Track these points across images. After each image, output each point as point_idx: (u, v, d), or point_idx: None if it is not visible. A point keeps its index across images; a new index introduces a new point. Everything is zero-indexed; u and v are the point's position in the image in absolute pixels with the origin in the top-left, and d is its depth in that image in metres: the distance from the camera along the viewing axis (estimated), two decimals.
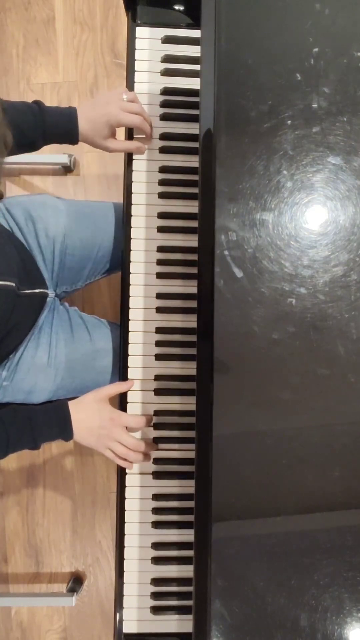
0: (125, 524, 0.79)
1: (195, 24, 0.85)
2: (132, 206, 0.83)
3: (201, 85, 0.64)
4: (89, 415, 0.79)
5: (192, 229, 0.83)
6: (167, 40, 0.85)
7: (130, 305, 0.82)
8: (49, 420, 0.78)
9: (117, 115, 0.79)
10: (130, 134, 0.84)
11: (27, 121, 0.78)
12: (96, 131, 0.81)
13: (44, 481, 1.55)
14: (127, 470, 0.80)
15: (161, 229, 0.83)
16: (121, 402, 0.81)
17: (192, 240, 0.83)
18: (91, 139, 0.82)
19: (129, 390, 0.81)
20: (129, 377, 0.82)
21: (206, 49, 0.64)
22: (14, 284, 0.80)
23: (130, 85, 0.85)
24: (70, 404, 0.80)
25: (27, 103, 0.80)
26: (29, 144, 0.81)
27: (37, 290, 0.90)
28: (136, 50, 0.85)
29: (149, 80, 0.85)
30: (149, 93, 0.84)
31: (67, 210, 0.97)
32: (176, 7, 0.86)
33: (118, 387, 0.81)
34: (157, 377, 0.81)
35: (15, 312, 0.82)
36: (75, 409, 0.79)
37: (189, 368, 0.81)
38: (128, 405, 0.81)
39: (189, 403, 0.81)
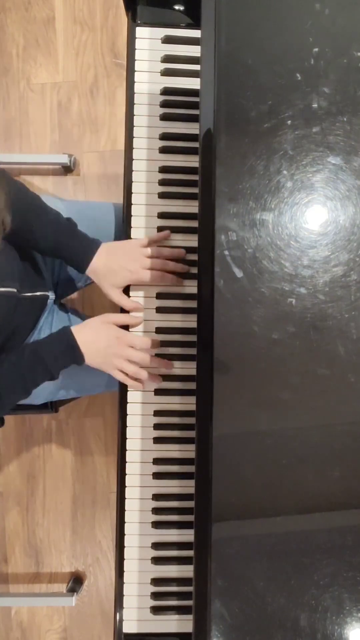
0: (125, 524, 0.79)
1: (195, 24, 0.85)
2: (132, 206, 0.83)
3: (201, 85, 0.64)
4: (95, 336, 0.79)
5: (192, 229, 0.83)
6: (167, 40, 0.85)
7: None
8: (56, 349, 0.78)
9: (139, 273, 0.79)
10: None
11: (45, 231, 0.79)
12: (110, 277, 0.80)
13: (44, 481, 1.55)
14: (127, 471, 0.80)
15: (161, 229, 0.83)
16: (121, 402, 0.81)
17: (192, 240, 0.83)
18: (101, 279, 0.81)
19: (131, 386, 0.81)
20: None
21: (206, 49, 0.64)
22: (15, 290, 0.80)
23: (130, 85, 0.85)
24: (75, 327, 0.79)
25: (58, 216, 0.81)
26: (36, 248, 0.82)
27: (38, 293, 0.90)
28: (136, 50, 0.85)
29: (149, 80, 0.85)
30: (149, 93, 0.84)
31: (67, 210, 0.97)
32: (176, 7, 0.86)
33: (127, 319, 0.81)
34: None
35: (17, 315, 0.82)
36: (81, 331, 0.79)
37: (189, 368, 0.81)
38: (128, 405, 0.81)
39: (189, 403, 0.81)
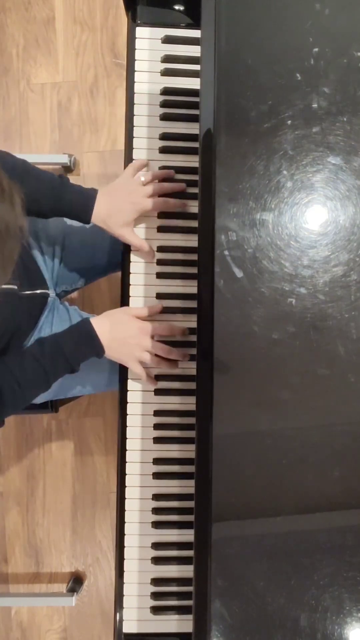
0: (125, 524, 0.79)
1: (195, 24, 0.85)
2: None
3: (201, 85, 0.64)
4: (115, 327, 0.79)
5: (192, 229, 0.83)
6: (167, 40, 0.85)
7: (130, 305, 0.82)
8: (76, 341, 0.77)
9: (143, 202, 0.79)
10: None
11: (43, 192, 0.79)
12: (116, 217, 0.80)
13: (44, 481, 1.55)
14: (127, 471, 0.80)
15: (161, 229, 0.83)
16: (121, 402, 0.81)
17: (192, 240, 0.83)
18: (108, 223, 0.80)
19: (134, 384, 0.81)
20: (129, 377, 0.82)
21: (206, 49, 0.64)
22: (15, 287, 0.80)
23: (130, 85, 0.85)
24: (94, 318, 0.79)
25: (51, 175, 0.81)
26: (39, 213, 0.81)
27: (38, 291, 0.90)
28: (136, 50, 0.85)
29: (149, 80, 0.85)
30: (149, 93, 0.84)
31: None
32: (176, 7, 0.86)
33: (147, 310, 0.80)
34: (157, 377, 0.81)
35: (17, 314, 0.82)
36: (101, 322, 0.79)
37: (189, 368, 0.81)
38: (128, 405, 0.81)
39: (189, 403, 0.81)
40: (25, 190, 0.78)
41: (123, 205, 0.80)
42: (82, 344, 0.78)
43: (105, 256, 1.00)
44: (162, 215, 0.83)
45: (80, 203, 0.80)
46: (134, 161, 0.82)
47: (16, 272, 0.82)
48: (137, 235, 0.81)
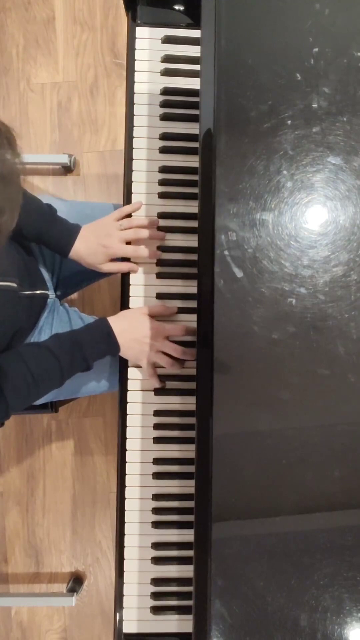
0: (125, 524, 0.79)
1: (195, 24, 0.85)
2: None
3: (201, 85, 0.64)
4: (132, 326, 0.79)
5: (192, 229, 0.83)
6: (167, 40, 0.85)
7: (130, 305, 0.82)
8: (93, 338, 0.78)
9: (114, 247, 0.82)
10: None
11: (29, 218, 0.80)
12: (91, 256, 0.83)
13: (44, 481, 1.55)
14: (127, 471, 0.80)
15: (161, 229, 0.83)
16: (121, 402, 0.81)
17: (192, 240, 0.83)
18: (84, 259, 0.84)
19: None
20: (129, 377, 0.82)
21: (206, 49, 0.64)
22: (15, 285, 0.80)
23: (130, 85, 0.85)
24: (112, 318, 0.80)
25: (39, 205, 0.83)
26: (21, 237, 0.83)
27: (37, 292, 0.90)
28: (136, 50, 0.85)
29: (149, 80, 0.85)
30: (149, 93, 0.84)
31: (67, 211, 0.97)
32: (176, 7, 0.86)
33: (162, 310, 0.82)
34: (157, 376, 0.81)
35: (18, 313, 0.82)
36: (117, 321, 0.80)
37: (189, 368, 0.81)
38: (128, 405, 0.81)
39: (189, 403, 0.81)
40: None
41: (96, 249, 0.82)
42: (100, 342, 0.78)
43: None
44: (162, 215, 0.83)
45: (62, 239, 0.83)
46: (124, 207, 0.84)
47: (15, 270, 0.82)
48: (113, 266, 0.84)
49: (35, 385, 0.75)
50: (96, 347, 0.78)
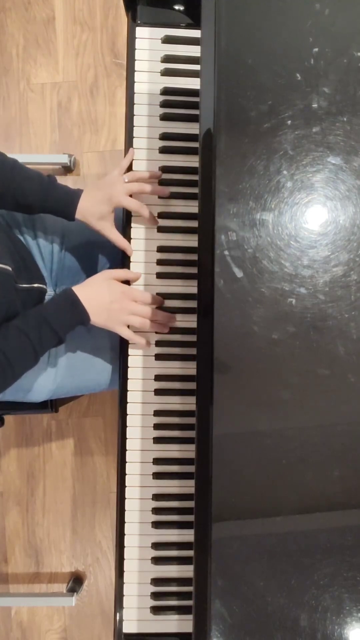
0: (125, 524, 0.79)
1: (195, 24, 0.85)
2: None
3: (201, 85, 0.64)
4: (98, 292, 0.79)
5: (192, 229, 0.83)
6: (167, 40, 0.85)
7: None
8: (59, 309, 0.77)
9: (119, 196, 0.81)
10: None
11: (32, 188, 0.81)
12: (95, 210, 0.83)
13: (44, 481, 1.55)
14: (127, 471, 0.80)
15: (161, 229, 0.83)
16: (121, 402, 0.81)
17: (192, 240, 0.83)
18: (89, 217, 0.83)
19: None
20: (129, 377, 0.82)
21: (206, 49, 0.64)
22: (10, 269, 0.79)
23: (130, 85, 0.85)
24: (77, 287, 0.80)
25: (39, 174, 0.83)
26: (26, 207, 0.83)
27: (35, 285, 0.90)
28: (136, 50, 0.85)
29: (149, 80, 0.85)
30: (149, 93, 0.84)
31: None
32: (176, 7, 0.86)
33: (127, 273, 0.82)
34: (157, 377, 0.81)
35: (11, 303, 0.82)
36: (83, 289, 0.79)
37: (189, 368, 0.81)
38: (128, 405, 0.81)
39: (189, 403, 0.81)
40: (14, 185, 0.79)
41: (101, 199, 0.82)
42: (67, 311, 0.77)
43: (104, 256, 1.00)
44: (162, 215, 0.83)
45: (65, 200, 0.82)
46: (122, 161, 0.84)
47: (8, 255, 0.82)
48: (117, 232, 0.83)
49: (8, 365, 0.73)
50: (64, 318, 0.77)
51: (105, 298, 0.79)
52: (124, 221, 0.84)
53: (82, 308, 0.77)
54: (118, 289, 0.80)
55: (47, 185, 0.82)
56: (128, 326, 0.81)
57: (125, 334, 0.80)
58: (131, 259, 0.83)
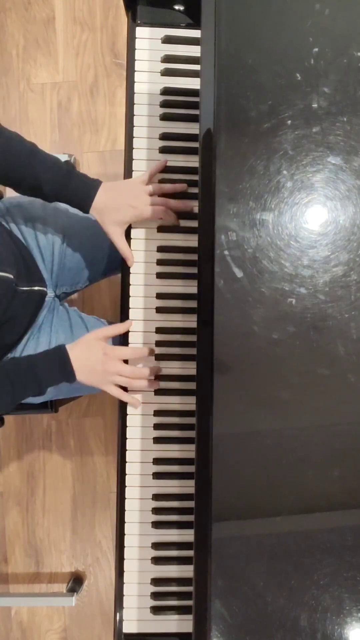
0: (125, 524, 0.79)
1: (195, 24, 0.85)
2: None
3: (201, 85, 0.64)
4: (85, 354, 0.80)
5: (192, 229, 0.83)
6: (167, 40, 0.85)
7: (130, 305, 0.82)
8: (50, 365, 0.78)
9: (143, 209, 0.80)
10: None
11: (49, 175, 0.79)
12: (112, 213, 0.81)
13: (44, 481, 1.55)
14: (127, 471, 0.80)
15: (161, 229, 0.83)
16: (121, 402, 0.81)
17: (192, 240, 0.83)
18: (104, 216, 0.81)
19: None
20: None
21: (206, 49, 0.64)
22: (12, 276, 0.80)
23: (130, 85, 0.84)
24: (69, 345, 0.80)
25: (58, 161, 0.81)
26: (42, 195, 0.81)
27: (35, 288, 0.90)
28: (136, 50, 0.85)
29: (149, 80, 0.85)
30: (149, 93, 0.84)
31: (66, 211, 0.97)
32: (176, 7, 0.86)
33: (116, 329, 0.82)
34: (157, 377, 0.81)
35: (12, 305, 0.82)
36: (74, 348, 0.80)
37: (189, 368, 0.81)
38: (128, 405, 0.81)
39: (189, 403, 0.81)
40: (31, 172, 0.78)
41: (122, 205, 0.80)
42: (56, 370, 0.78)
43: (105, 257, 1.00)
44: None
45: (82, 191, 0.80)
46: (151, 168, 0.82)
47: (11, 261, 0.82)
48: (124, 240, 0.82)
49: None
50: (51, 373, 0.78)
51: (92, 359, 0.79)
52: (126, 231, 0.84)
53: (70, 368, 0.79)
54: (100, 350, 0.80)
55: (64, 174, 0.80)
56: None
57: (116, 393, 0.81)
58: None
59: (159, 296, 0.82)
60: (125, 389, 0.81)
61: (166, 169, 0.83)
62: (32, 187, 0.80)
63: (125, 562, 0.79)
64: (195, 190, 0.82)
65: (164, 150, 0.83)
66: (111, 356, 0.79)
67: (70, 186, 0.80)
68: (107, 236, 0.83)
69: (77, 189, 0.80)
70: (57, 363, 0.78)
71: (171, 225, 0.82)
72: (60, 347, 0.80)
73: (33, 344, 0.91)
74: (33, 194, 0.82)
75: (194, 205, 0.82)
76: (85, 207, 0.81)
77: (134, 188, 0.81)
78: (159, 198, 0.81)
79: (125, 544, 0.79)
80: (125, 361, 0.81)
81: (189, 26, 0.86)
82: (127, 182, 0.82)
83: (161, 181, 0.83)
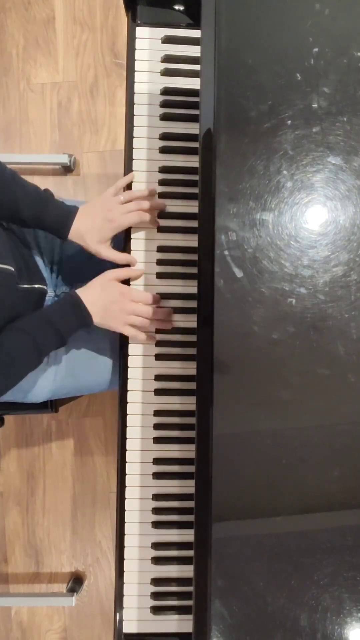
0: (125, 524, 0.79)
1: (195, 24, 0.85)
2: None
3: (201, 85, 0.64)
4: (99, 295, 0.80)
5: (192, 229, 0.83)
6: (167, 40, 0.85)
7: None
8: (65, 312, 0.78)
9: (119, 219, 0.81)
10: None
11: (27, 202, 0.80)
12: (93, 234, 0.82)
13: (44, 481, 1.55)
14: (127, 471, 0.80)
15: (161, 229, 0.83)
16: (121, 402, 0.81)
17: (192, 240, 0.83)
18: (86, 239, 0.82)
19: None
20: (129, 377, 0.82)
21: (206, 49, 0.64)
22: (13, 269, 0.80)
23: (130, 85, 0.85)
24: (79, 289, 0.81)
25: (37, 188, 0.83)
26: (20, 220, 0.83)
27: (35, 286, 0.90)
28: (136, 50, 0.85)
29: (149, 80, 0.85)
30: (149, 93, 0.84)
31: None
32: (176, 7, 0.86)
33: (128, 272, 0.82)
34: (157, 377, 0.81)
35: (13, 304, 0.82)
36: (85, 292, 0.80)
37: (189, 368, 0.81)
38: (128, 405, 0.81)
39: (189, 403, 0.81)
40: (10, 196, 0.79)
41: (100, 223, 0.81)
42: (71, 314, 0.78)
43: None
44: (162, 215, 0.83)
45: (60, 218, 0.82)
46: (118, 181, 0.84)
47: (10, 255, 0.82)
48: (115, 252, 0.83)
49: (13, 365, 0.74)
50: (68, 320, 0.78)
51: (106, 299, 0.80)
52: (125, 231, 0.84)
53: (85, 310, 0.78)
54: (117, 290, 0.80)
55: (43, 200, 0.82)
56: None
57: (128, 332, 0.81)
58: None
59: (159, 296, 0.82)
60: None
61: (166, 169, 0.83)
62: (10, 213, 0.81)
63: (125, 562, 0.79)
64: (195, 190, 0.82)
65: (164, 150, 0.83)
66: (128, 295, 0.80)
67: (49, 211, 0.81)
68: (112, 238, 0.83)
69: (55, 215, 0.82)
70: (71, 308, 0.78)
71: (152, 227, 0.83)
72: (70, 292, 0.80)
73: None
74: (11, 220, 0.83)
75: (165, 204, 0.83)
76: (63, 233, 0.82)
77: (105, 202, 0.82)
78: (132, 203, 0.82)
79: (125, 544, 0.79)
80: None
81: (189, 26, 0.86)
82: (98, 200, 0.84)
83: (162, 182, 0.83)
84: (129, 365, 0.82)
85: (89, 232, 0.82)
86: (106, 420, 1.55)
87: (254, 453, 0.59)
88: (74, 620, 1.55)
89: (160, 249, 0.82)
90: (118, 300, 0.79)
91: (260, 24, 0.64)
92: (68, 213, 0.82)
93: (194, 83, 0.84)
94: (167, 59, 0.85)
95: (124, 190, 0.84)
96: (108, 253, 0.83)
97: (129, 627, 0.78)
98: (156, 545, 0.79)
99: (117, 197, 0.83)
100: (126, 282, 0.83)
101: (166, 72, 0.84)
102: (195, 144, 0.82)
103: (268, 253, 0.60)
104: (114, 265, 1.01)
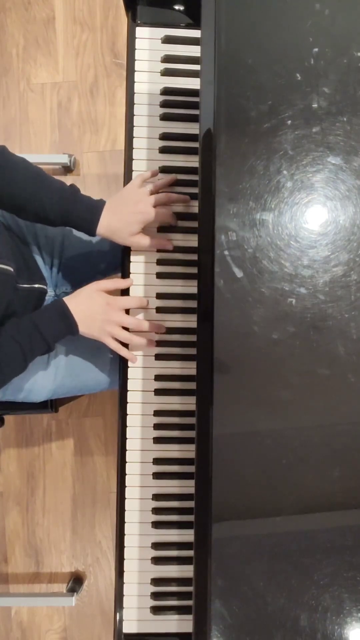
0: (125, 524, 0.79)
1: (195, 24, 0.85)
2: None
3: (201, 85, 0.64)
4: (86, 304, 0.80)
5: (192, 229, 0.83)
6: (167, 40, 0.85)
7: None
8: (51, 319, 0.78)
9: (151, 213, 0.79)
10: None
11: (52, 200, 0.78)
12: (125, 229, 0.80)
13: (44, 481, 1.55)
14: (127, 471, 0.80)
15: (161, 229, 0.83)
16: (121, 402, 0.81)
17: (192, 240, 0.83)
18: (115, 235, 0.80)
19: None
20: (129, 376, 0.82)
21: (206, 49, 0.64)
22: (12, 269, 0.79)
23: (130, 85, 0.85)
24: (67, 298, 0.80)
25: (62, 184, 0.80)
26: (46, 219, 0.81)
27: (35, 285, 0.90)
28: (136, 50, 0.85)
29: (149, 80, 0.85)
30: (149, 93, 0.84)
31: None
32: (176, 7, 0.86)
33: (116, 283, 0.82)
34: (157, 377, 0.81)
35: (13, 302, 0.82)
36: (73, 301, 0.79)
37: (189, 368, 0.81)
38: (128, 405, 0.81)
39: (189, 403, 0.81)
40: (35, 198, 0.78)
41: (129, 217, 0.80)
42: (57, 321, 0.78)
43: (105, 257, 1.00)
44: None
45: (86, 215, 0.80)
46: (143, 172, 0.82)
47: (10, 256, 0.82)
48: (146, 237, 0.81)
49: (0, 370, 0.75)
50: (54, 327, 0.78)
51: (90, 309, 0.79)
52: None
53: (71, 319, 0.78)
54: (102, 300, 0.79)
55: (68, 199, 0.79)
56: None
57: (113, 346, 0.80)
58: (131, 259, 0.83)
59: (159, 296, 0.82)
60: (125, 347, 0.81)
61: (166, 169, 0.83)
62: (37, 213, 0.80)
63: (125, 562, 0.79)
64: (195, 190, 0.82)
65: (164, 150, 0.83)
66: (114, 306, 0.79)
67: (75, 211, 0.79)
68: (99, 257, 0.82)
69: (82, 214, 0.80)
70: (58, 316, 0.78)
71: (172, 225, 0.82)
72: (57, 299, 0.80)
73: None
74: (38, 221, 0.82)
75: (189, 199, 0.82)
76: (91, 230, 0.80)
77: (133, 195, 0.80)
78: (161, 195, 0.81)
79: (125, 544, 0.79)
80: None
81: (189, 26, 0.86)
82: (123, 193, 0.81)
83: None
84: (129, 365, 0.82)
85: (119, 228, 0.80)
86: (106, 420, 1.55)
87: (254, 453, 0.59)
88: (74, 620, 1.55)
89: (160, 249, 0.82)
90: (102, 312, 0.79)
91: (260, 24, 0.64)
92: (95, 209, 0.80)
93: (194, 83, 0.84)
94: (167, 59, 0.85)
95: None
96: (139, 242, 0.81)
97: (129, 627, 0.78)
98: (156, 545, 0.79)
99: (145, 189, 0.81)
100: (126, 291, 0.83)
101: (166, 72, 0.84)
102: (195, 144, 0.82)
103: (268, 253, 0.60)
104: (112, 266, 1.01)
